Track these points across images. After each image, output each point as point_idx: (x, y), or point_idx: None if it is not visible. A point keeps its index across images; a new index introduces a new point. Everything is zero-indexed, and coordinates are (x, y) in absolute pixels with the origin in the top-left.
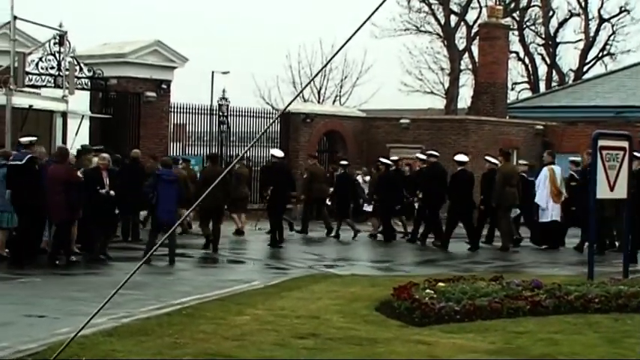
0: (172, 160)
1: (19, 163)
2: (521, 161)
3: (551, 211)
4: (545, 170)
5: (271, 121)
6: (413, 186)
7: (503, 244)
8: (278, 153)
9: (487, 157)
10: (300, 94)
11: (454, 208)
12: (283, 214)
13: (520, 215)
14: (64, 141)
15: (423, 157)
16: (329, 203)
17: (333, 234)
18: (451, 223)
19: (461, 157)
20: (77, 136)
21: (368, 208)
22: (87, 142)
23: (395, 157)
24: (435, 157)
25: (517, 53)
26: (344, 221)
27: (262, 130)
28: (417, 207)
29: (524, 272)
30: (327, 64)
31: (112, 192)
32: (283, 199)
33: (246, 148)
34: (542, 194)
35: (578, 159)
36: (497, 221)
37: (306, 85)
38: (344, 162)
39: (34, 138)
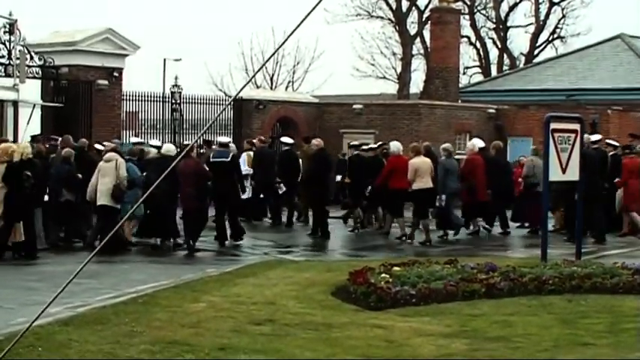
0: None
1: (226, 160)
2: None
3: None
4: (244, 155)
5: (222, 107)
6: None
7: None
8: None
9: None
10: (253, 81)
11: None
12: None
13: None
14: (16, 130)
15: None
16: None
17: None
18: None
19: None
20: (29, 125)
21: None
22: (39, 132)
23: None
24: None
25: (468, 37)
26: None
27: (215, 117)
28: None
29: (479, 255)
30: (278, 48)
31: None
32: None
33: (198, 136)
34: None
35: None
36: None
37: (258, 71)
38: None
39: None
